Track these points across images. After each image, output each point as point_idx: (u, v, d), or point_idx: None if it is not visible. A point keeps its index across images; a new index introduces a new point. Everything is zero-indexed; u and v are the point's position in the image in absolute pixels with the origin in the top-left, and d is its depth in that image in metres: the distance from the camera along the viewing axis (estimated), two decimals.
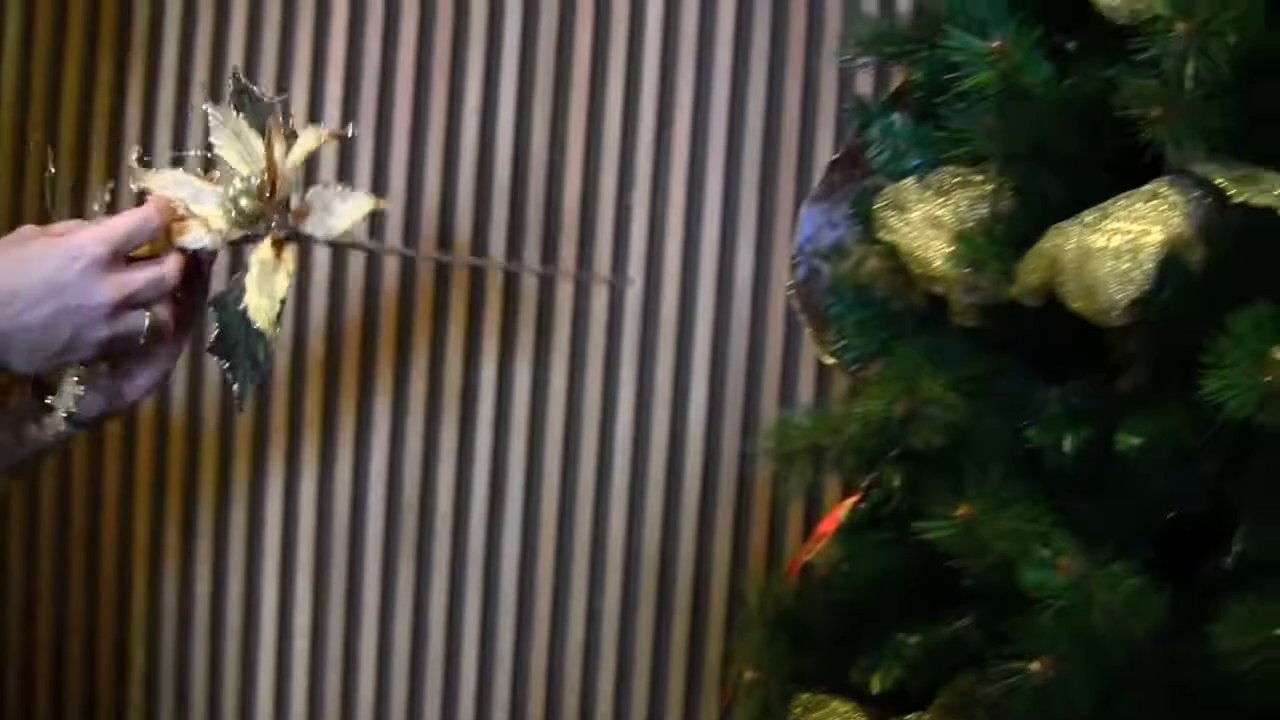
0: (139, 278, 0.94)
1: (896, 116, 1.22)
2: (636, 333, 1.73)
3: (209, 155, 0.98)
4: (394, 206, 1.73)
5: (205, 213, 0.96)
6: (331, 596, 1.80)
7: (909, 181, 1.15)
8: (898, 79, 1.31)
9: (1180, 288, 0.98)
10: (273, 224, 0.95)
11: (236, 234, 0.96)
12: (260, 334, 0.96)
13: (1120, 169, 1.07)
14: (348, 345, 1.78)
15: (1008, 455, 1.06)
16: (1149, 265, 0.95)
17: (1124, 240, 0.97)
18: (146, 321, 0.94)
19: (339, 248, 1.31)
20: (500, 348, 1.75)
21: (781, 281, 1.61)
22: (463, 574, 1.78)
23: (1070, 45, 1.10)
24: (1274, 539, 0.98)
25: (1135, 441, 0.97)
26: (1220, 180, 0.96)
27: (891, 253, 1.18)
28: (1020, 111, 1.05)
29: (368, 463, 1.79)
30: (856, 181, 1.36)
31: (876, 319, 1.22)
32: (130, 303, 0.93)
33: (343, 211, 0.96)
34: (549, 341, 1.74)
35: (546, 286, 1.72)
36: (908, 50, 1.19)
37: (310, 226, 0.96)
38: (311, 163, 1.10)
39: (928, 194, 1.14)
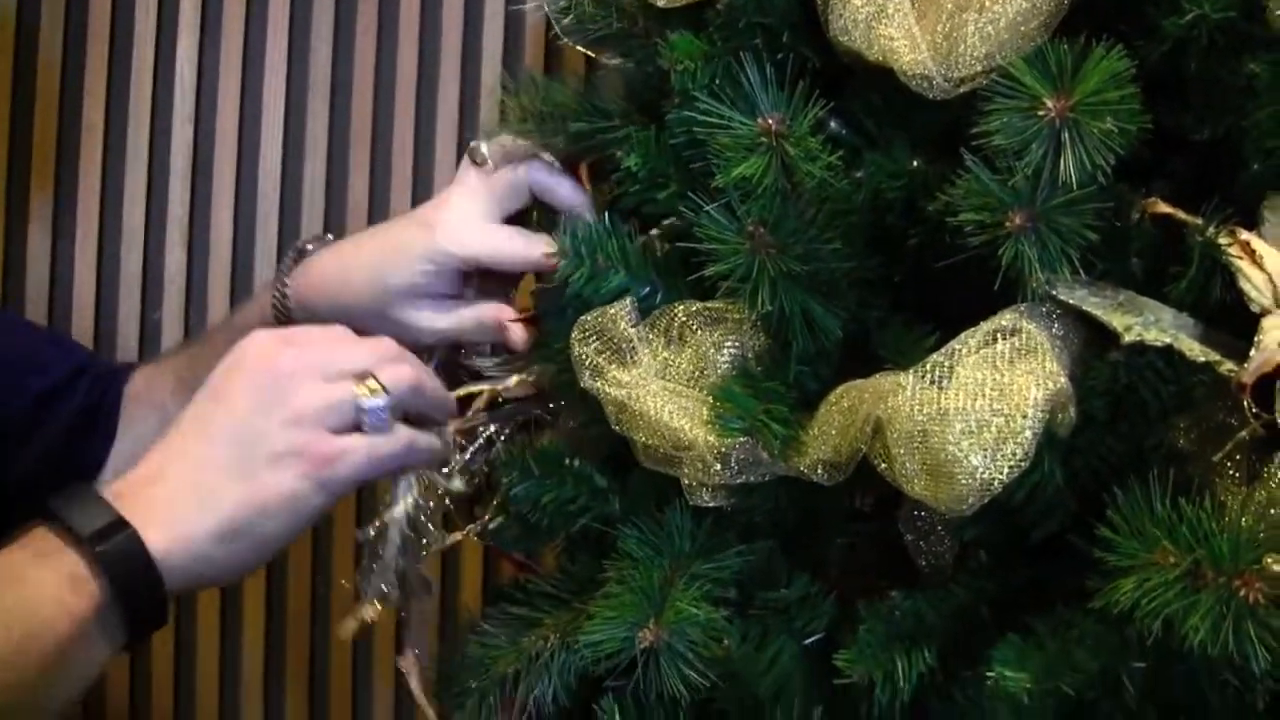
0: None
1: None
2: None
3: None
4: None
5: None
6: None
7: (620, 312, 0.82)
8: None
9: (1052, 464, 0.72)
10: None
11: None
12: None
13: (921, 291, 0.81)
14: None
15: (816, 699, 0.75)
16: (1028, 434, 0.68)
17: (990, 399, 0.69)
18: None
19: None
20: None
21: None
22: None
23: (844, 131, 0.81)
24: None
25: (1026, 683, 0.68)
26: (1099, 313, 0.71)
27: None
28: (798, 215, 0.76)
29: None
30: None
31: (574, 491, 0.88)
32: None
33: None
34: None
35: None
36: (605, 128, 0.87)
37: None
38: None
39: (654, 334, 0.82)
